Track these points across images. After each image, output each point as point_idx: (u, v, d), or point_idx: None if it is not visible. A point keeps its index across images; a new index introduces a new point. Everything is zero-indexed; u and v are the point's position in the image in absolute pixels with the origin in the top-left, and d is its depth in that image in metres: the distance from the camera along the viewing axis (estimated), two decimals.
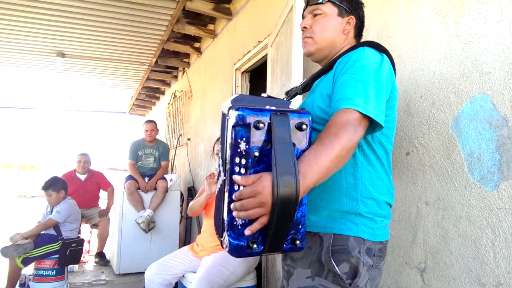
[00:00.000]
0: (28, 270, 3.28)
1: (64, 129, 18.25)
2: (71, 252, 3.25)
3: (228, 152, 0.85)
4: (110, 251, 4.38)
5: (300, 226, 0.85)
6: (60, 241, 3.22)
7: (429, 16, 1.39)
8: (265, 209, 0.78)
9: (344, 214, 0.98)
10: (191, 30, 4.33)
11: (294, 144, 0.84)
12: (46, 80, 6.98)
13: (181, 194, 4.51)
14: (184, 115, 5.80)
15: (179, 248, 3.49)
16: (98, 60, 5.69)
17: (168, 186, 4.26)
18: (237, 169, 0.82)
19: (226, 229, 0.83)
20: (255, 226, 0.80)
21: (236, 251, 0.82)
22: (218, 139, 2.52)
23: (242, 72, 3.64)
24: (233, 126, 0.82)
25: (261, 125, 0.81)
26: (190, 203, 2.44)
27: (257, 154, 0.82)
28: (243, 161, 0.82)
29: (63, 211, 3.31)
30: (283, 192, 0.76)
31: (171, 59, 5.58)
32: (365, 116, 0.89)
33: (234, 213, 0.81)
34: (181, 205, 4.52)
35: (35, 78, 6.84)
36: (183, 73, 5.88)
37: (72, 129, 18.30)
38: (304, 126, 0.86)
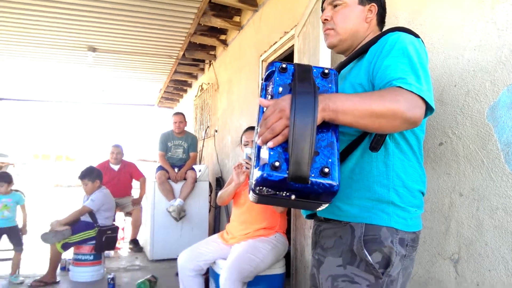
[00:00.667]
0: (68, 255, 3.49)
1: (97, 121, 18.93)
2: (106, 238, 3.42)
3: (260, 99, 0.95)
4: (143, 238, 4.56)
5: (328, 156, 0.83)
6: (96, 228, 3.39)
7: (464, 2, 1.35)
8: (285, 120, 0.80)
9: (375, 204, 0.98)
10: (217, 23, 4.36)
11: (318, 88, 0.91)
12: (79, 74, 7.24)
13: (210, 184, 4.60)
14: (211, 107, 5.88)
15: (209, 236, 3.59)
16: (128, 54, 5.85)
17: (197, 177, 4.36)
18: (264, 109, 0.88)
19: (254, 166, 0.85)
20: (278, 138, 0.80)
21: (261, 178, 0.81)
22: (245, 130, 2.56)
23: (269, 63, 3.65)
24: (264, 74, 0.97)
25: (284, 65, 0.94)
26: (219, 193, 2.50)
27: (280, 89, 0.91)
28: (269, 98, 0.91)
29: (97, 199, 3.47)
30: (300, 107, 0.79)
31: (198, 52, 5.65)
32: (420, 97, 0.86)
33: (261, 139, 0.82)
34: (210, 195, 4.61)
35: (69, 72, 7.10)
36: (210, 65, 5.94)
37: (104, 121, 18.94)
38: (326, 71, 0.94)
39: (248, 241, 2.21)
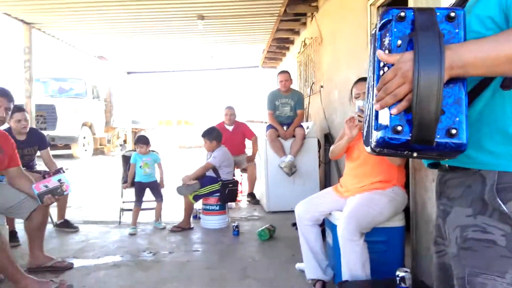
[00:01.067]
0: (198, 205, 4.01)
1: (209, 86, 20.51)
2: (229, 191, 3.80)
3: (372, 51, 0.88)
4: (259, 191, 4.92)
5: (455, 114, 0.78)
6: (220, 182, 3.79)
7: None
8: (408, 85, 0.75)
9: (510, 149, 0.87)
10: None
11: (443, 35, 0.80)
12: (190, 43, 7.80)
13: (318, 141, 4.64)
14: (315, 63, 5.77)
15: (320, 190, 3.68)
16: (232, 17, 6.04)
17: (305, 133, 4.44)
18: (381, 63, 0.83)
19: (373, 126, 0.82)
20: (402, 104, 0.77)
21: (382, 141, 0.79)
22: (356, 82, 2.47)
23: (378, 7, 3.36)
24: (379, 23, 0.86)
25: (402, 13, 0.82)
26: (331, 147, 2.52)
27: (399, 42, 0.82)
28: (386, 52, 0.83)
29: (218, 156, 3.85)
30: (424, 64, 0.73)
31: (299, 6, 5.51)
32: None
33: (380, 104, 0.78)
34: (319, 151, 4.66)
35: (182, 42, 7.71)
36: (312, 18, 5.76)
37: (215, 86, 20.41)
38: (452, 14, 0.81)
39: (364, 193, 2.21)
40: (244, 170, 5.14)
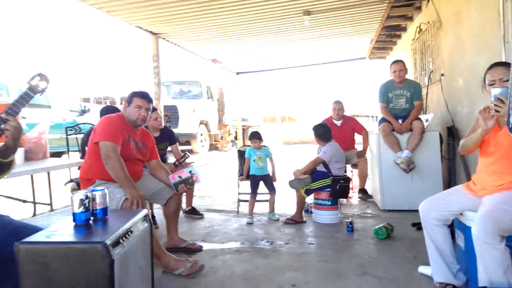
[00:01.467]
0: (310, 200, 4.06)
1: (312, 81, 20.47)
2: (340, 187, 3.75)
3: None
4: (371, 188, 4.74)
5: None
6: (331, 177, 3.78)
7: None
8: None
9: None
10: None
11: None
12: (295, 39, 7.88)
13: (440, 135, 4.24)
14: (433, 49, 5.27)
15: (443, 189, 3.38)
16: (339, 10, 5.90)
17: (424, 127, 4.10)
18: None
19: None
20: None
21: None
22: (490, 67, 2.19)
23: None
24: None
25: None
26: (462, 141, 2.29)
27: None
28: None
29: (328, 151, 3.84)
30: None
31: None
32: None
33: None
34: (441, 146, 4.26)
35: (287, 39, 7.83)
36: (428, 1, 5.27)
37: (319, 81, 20.27)
38: None
39: (503, 192, 1.96)
40: (354, 166, 5.00)
